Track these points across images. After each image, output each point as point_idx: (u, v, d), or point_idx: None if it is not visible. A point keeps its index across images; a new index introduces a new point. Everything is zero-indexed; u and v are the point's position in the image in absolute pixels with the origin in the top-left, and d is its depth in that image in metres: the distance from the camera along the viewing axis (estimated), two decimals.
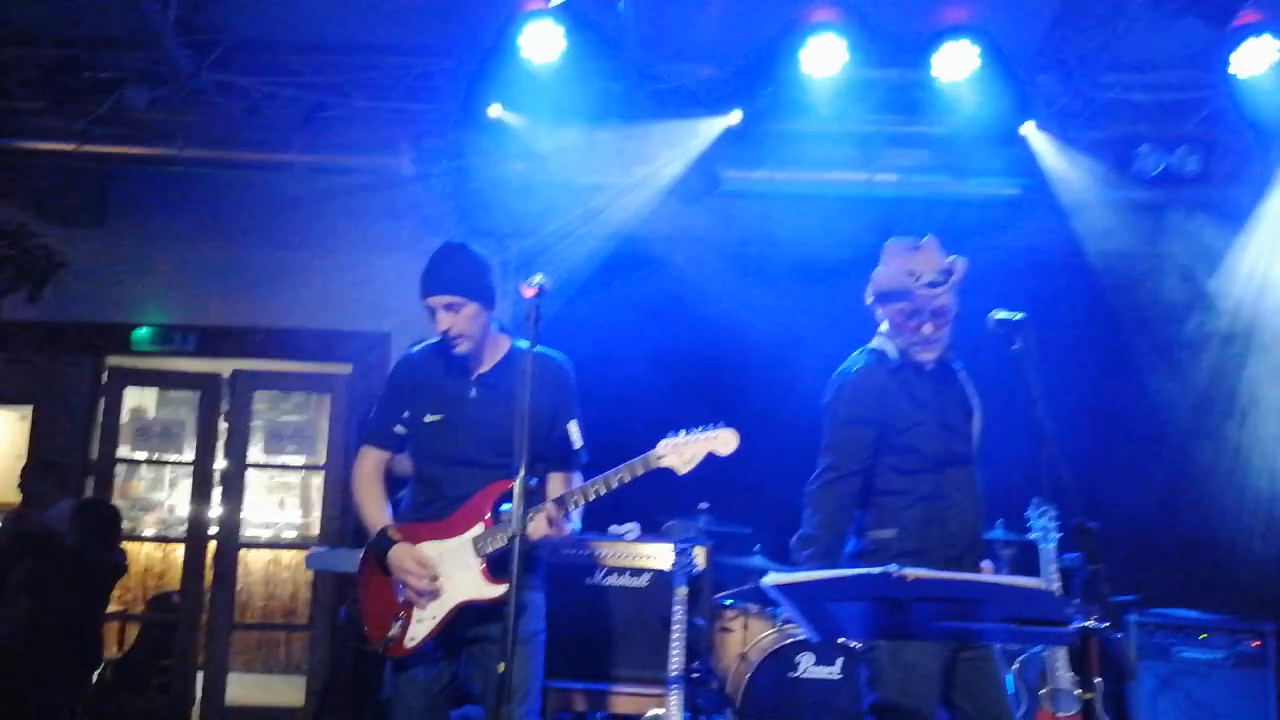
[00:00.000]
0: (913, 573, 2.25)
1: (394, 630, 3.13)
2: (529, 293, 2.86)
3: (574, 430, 3.26)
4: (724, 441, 2.96)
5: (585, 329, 4.77)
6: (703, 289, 5.92)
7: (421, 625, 3.14)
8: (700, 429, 2.98)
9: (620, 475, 3.00)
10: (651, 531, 5.05)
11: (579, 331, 4.11)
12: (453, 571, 3.13)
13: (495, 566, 3.08)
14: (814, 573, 2.73)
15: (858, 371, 3.20)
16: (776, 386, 5.13)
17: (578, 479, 3.28)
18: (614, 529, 5.04)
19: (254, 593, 7.84)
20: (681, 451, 2.97)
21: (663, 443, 3.00)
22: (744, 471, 5.51)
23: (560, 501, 3.05)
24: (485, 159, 5.58)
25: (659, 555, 4.86)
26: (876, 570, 2.33)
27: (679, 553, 4.40)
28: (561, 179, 5.64)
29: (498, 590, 3.05)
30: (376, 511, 3.27)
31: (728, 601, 5.05)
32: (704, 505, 5.02)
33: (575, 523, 3.17)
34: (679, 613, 4.25)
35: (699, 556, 4.62)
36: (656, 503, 5.41)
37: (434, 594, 3.10)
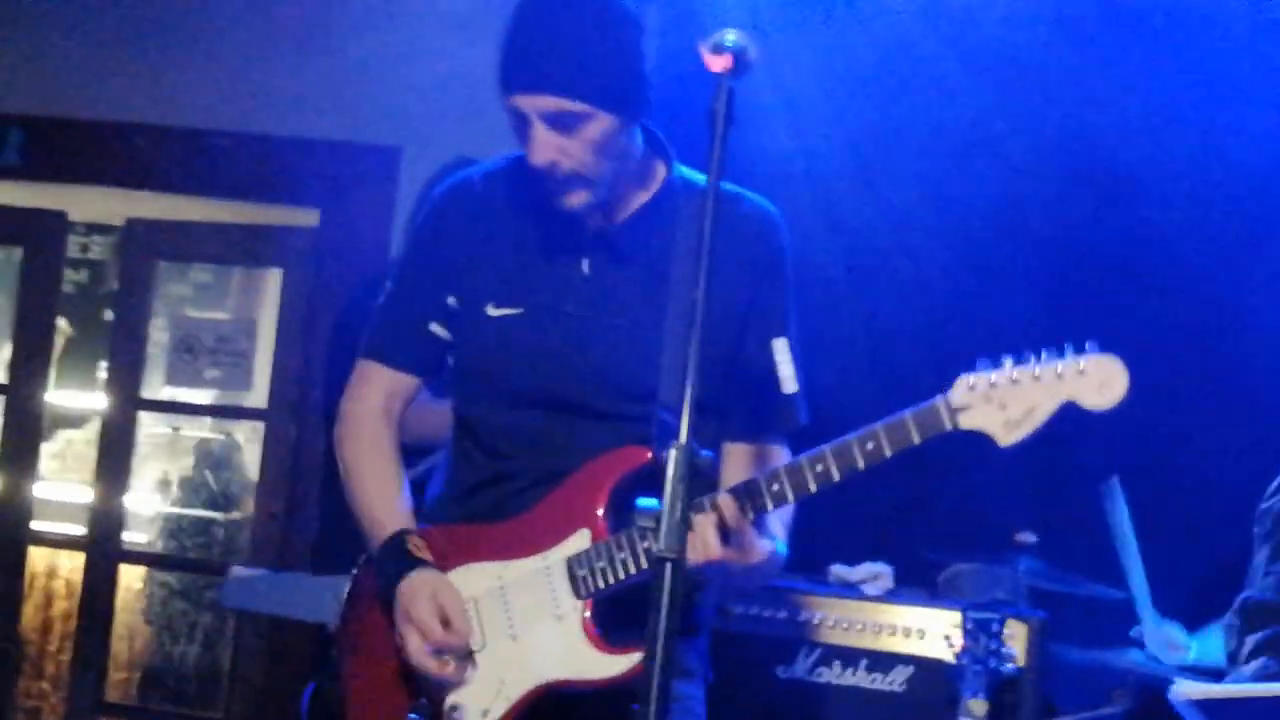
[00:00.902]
0: None
1: None
2: (717, 64, 2.82)
3: (783, 356, 3.28)
4: (1098, 381, 2.87)
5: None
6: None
7: None
8: (1045, 357, 2.91)
9: (871, 444, 2.97)
10: (916, 583, 5.10)
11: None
12: (527, 624, 3.18)
13: (610, 619, 3.13)
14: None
15: None
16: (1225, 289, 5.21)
17: (785, 454, 3.29)
18: (838, 572, 5.09)
19: (115, 650, 8.12)
20: (1005, 399, 2.91)
21: (963, 381, 2.94)
22: (1125, 464, 5.73)
23: (747, 494, 3.03)
24: None
25: (930, 630, 4.87)
26: None
27: (973, 629, 4.39)
28: None
29: (616, 666, 3.08)
30: (386, 496, 3.35)
31: None
32: (1028, 536, 5.01)
33: (779, 542, 3.17)
34: None
35: (1015, 639, 4.61)
36: (926, 525, 5.46)
37: (472, 669, 3.16)
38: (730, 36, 2.79)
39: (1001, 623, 4.42)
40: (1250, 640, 3.55)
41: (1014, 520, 5.06)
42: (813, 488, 2.98)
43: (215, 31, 6.64)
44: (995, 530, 5.07)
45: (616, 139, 3.18)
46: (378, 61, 6.41)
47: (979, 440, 4.63)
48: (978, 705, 4.31)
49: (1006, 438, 2.92)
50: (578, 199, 3.18)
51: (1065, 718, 5.13)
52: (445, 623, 3.12)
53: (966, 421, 2.93)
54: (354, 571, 3.41)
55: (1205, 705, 2.68)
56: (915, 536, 5.26)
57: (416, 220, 3.46)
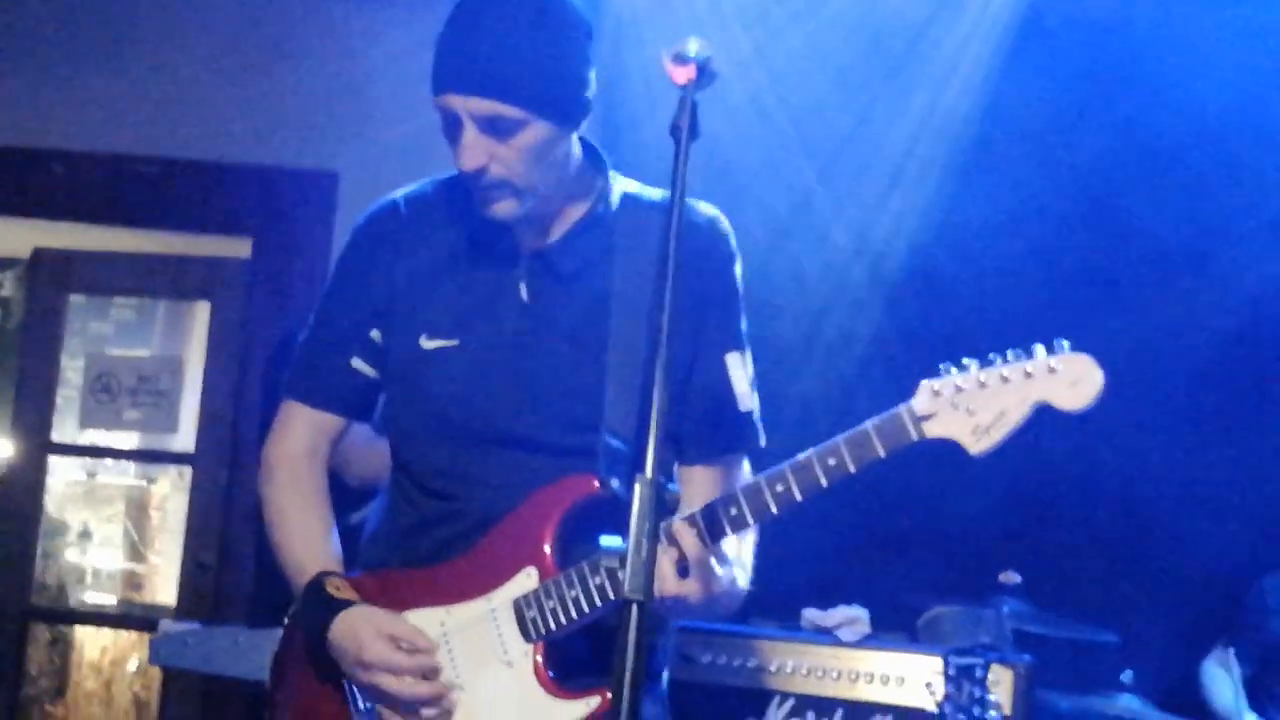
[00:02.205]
0: None
1: None
2: (680, 75, 2.83)
3: (737, 371, 3.28)
4: (1070, 380, 2.84)
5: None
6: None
7: None
8: (1013, 357, 2.89)
9: (834, 460, 2.92)
10: (894, 627, 5.11)
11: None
12: (474, 673, 3.16)
13: (564, 662, 3.12)
14: None
15: None
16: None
17: (746, 475, 3.30)
18: (813, 618, 5.09)
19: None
20: (973, 404, 2.88)
21: (926, 386, 2.91)
22: (1107, 503, 5.83)
23: (704, 521, 3.01)
24: None
25: (909, 677, 4.89)
26: None
27: (955, 675, 4.40)
28: None
29: (573, 712, 3.06)
30: (309, 540, 3.35)
31: None
32: (1012, 576, 5.07)
33: (739, 575, 3.13)
34: None
35: (999, 685, 4.63)
36: (905, 566, 5.49)
37: (451, 702, 3.14)
38: (693, 46, 2.78)
39: (986, 668, 4.43)
40: None
41: (997, 560, 5.11)
42: (774, 510, 2.94)
43: (136, 52, 6.65)
44: (978, 570, 5.11)
45: (552, 148, 3.18)
46: (313, 82, 6.43)
47: (959, 474, 4.69)
48: None
49: (976, 445, 2.87)
50: (505, 208, 3.17)
51: None
52: (407, 648, 3.11)
53: (933, 430, 2.88)
54: (284, 625, 3.40)
55: None
56: (893, 578, 5.30)
57: (345, 248, 3.45)
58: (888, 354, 5.55)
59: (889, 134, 6.01)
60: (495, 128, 3.10)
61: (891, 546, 5.53)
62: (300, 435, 3.41)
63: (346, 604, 3.17)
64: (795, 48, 5.99)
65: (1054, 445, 5.17)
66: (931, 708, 4.55)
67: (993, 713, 4.46)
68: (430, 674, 3.11)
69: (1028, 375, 2.84)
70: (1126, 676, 5.21)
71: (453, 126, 3.14)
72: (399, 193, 3.43)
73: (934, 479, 5.23)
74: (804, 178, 6.00)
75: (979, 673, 4.42)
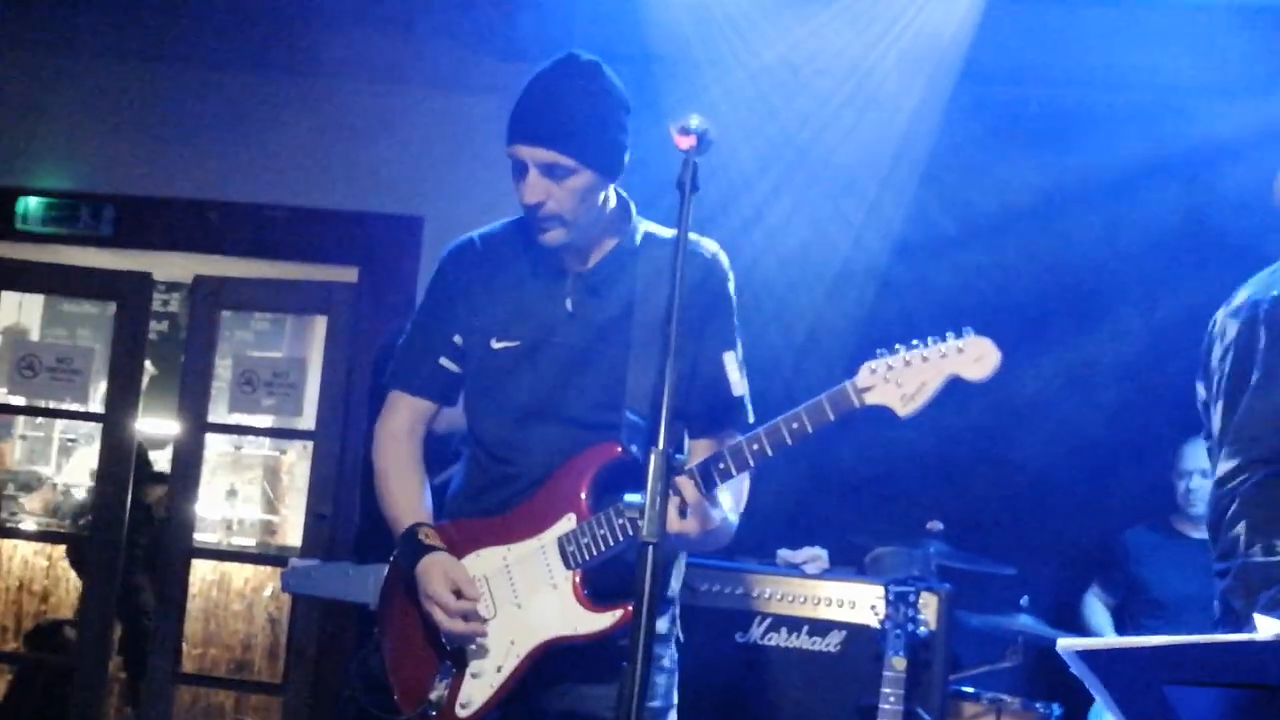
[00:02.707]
0: None
1: (437, 692, 3.19)
2: (684, 143, 2.83)
3: (732, 366, 3.29)
4: (972, 358, 2.90)
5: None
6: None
7: (479, 683, 3.18)
8: (931, 341, 2.92)
9: (796, 424, 2.97)
10: (847, 563, 5.09)
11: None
12: (529, 594, 3.19)
13: (596, 584, 3.14)
14: (1150, 638, 2.68)
15: None
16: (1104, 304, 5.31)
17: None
18: (785, 556, 5.07)
19: (189, 631, 8.09)
20: (900, 378, 2.91)
21: (866, 366, 2.95)
22: (1014, 466, 5.86)
23: (699, 474, 3.03)
24: None
25: (858, 602, 4.87)
26: (1271, 637, 2.26)
27: (894, 600, 4.42)
28: None
29: (603, 621, 3.10)
30: (409, 499, 3.36)
31: (971, 688, 5.07)
32: (937, 524, 5.04)
33: (730, 514, 3.16)
34: (891, 699, 4.26)
35: (927, 607, 4.62)
36: (855, 515, 5.48)
37: (480, 635, 3.17)
38: (694, 121, 2.82)
39: (917, 594, 4.45)
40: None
41: (926, 511, 5.11)
42: (752, 463, 3.00)
43: (272, 123, 6.66)
44: (911, 519, 5.11)
45: (594, 192, 3.20)
46: (404, 148, 6.43)
47: (898, 444, 4.69)
48: (898, 662, 4.33)
49: (904, 409, 2.91)
50: (555, 236, 3.20)
51: (969, 671, 5.14)
52: (457, 593, 3.14)
53: (870, 399, 2.93)
54: (390, 560, 3.41)
55: (1088, 655, 2.63)
56: (846, 526, 5.29)
57: (435, 274, 3.47)
58: (845, 348, 5.50)
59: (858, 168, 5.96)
60: (552, 172, 3.14)
61: (845, 501, 5.51)
62: (402, 417, 3.42)
63: (431, 549, 3.21)
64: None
65: (973, 423, 5.19)
66: (875, 624, 4.56)
67: (922, 628, 4.47)
68: (470, 616, 3.15)
69: (942, 355, 2.89)
70: (1024, 601, 5.20)
71: (520, 170, 3.17)
72: (475, 232, 3.45)
73: (879, 449, 5.25)
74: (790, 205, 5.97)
75: (912, 598, 4.43)
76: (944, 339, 2.90)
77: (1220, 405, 3.22)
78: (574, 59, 3.24)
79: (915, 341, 2.92)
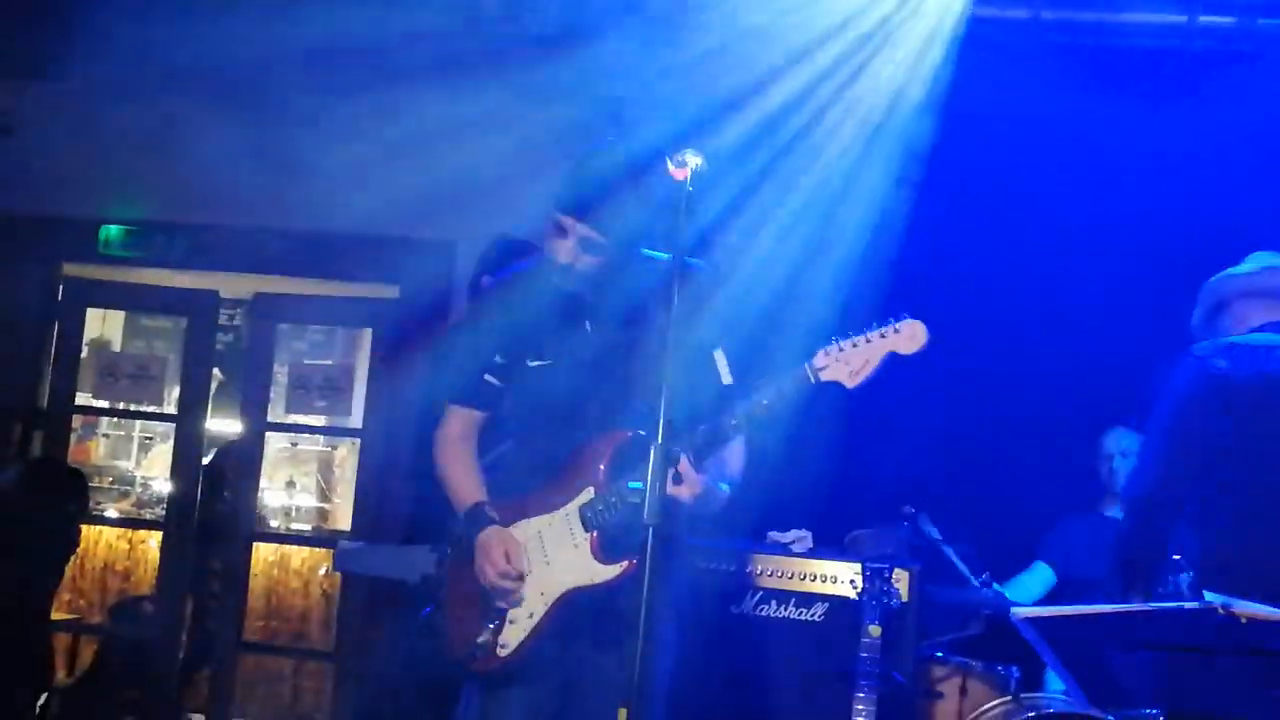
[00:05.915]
0: (1248, 610, 2.20)
1: (484, 636, 3.41)
2: (679, 174, 2.90)
3: (721, 360, 3.45)
4: (906, 337, 3.11)
5: None
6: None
7: (515, 628, 3.40)
8: (873, 328, 3.13)
9: (765, 400, 3.19)
10: (829, 543, 5.07)
11: None
12: (556, 553, 3.43)
13: (607, 542, 3.36)
14: (1089, 606, 2.72)
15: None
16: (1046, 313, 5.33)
17: None
18: (773, 536, 5.07)
19: (252, 605, 8.11)
20: (848, 358, 3.13)
21: (821, 351, 3.17)
22: (973, 460, 5.85)
23: (689, 447, 3.21)
24: None
25: (839, 577, 4.86)
26: (1190, 604, 2.28)
27: (870, 575, 4.41)
28: None
29: (610, 571, 3.33)
30: (468, 486, 3.58)
31: (939, 653, 5.06)
32: (909, 509, 5.05)
33: (721, 483, 3.37)
34: (868, 664, 4.26)
35: (900, 582, 4.63)
36: (837, 502, 5.48)
37: (517, 590, 3.39)
38: (688, 156, 2.96)
39: (891, 571, 4.45)
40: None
41: (899, 498, 5.12)
42: (731, 435, 3.26)
43: (324, 156, 6.64)
44: (886, 505, 5.12)
45: (616, 255, 3.39)
46: (437, 181, 6.37)
47: (877, 440, 4.71)
48: (875, 630, 4.32)
49: (851, 382, 3.13)
50: (575, 285, 3.42)
51: (937, 638, 5.12)
52: (508, 558, 3.39)
53: (825, 376, 3.16)
54: (448, 536, 3.63)
55: (1037, 622, 2.68)
56: (829, 510, 5.28)
57: (477, 303, 3.65)
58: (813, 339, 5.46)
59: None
60: (588, 244, 3.35)
61: (829, 488, 5.50)
62: (456, 424, 3.69)
63: (491, 522, 3.47)
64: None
65: (940, 427, 5.23)
66: (854, 597, 4.55)
67: (896, 601, 4.46)
68: (514, 575, 3.39)
69: (881, 336, 3.13)
70: (985, 577, 5.19)
71: (560, 233, 3.37)
72: (510, 269, 3.77)
73: (859, 444, 5.29)
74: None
75: (886, 573, 4.43)
76: (885, 323, 3.12)
77: None
78: (627, 149, 3.38)
79: (863, 329, 3.15)
